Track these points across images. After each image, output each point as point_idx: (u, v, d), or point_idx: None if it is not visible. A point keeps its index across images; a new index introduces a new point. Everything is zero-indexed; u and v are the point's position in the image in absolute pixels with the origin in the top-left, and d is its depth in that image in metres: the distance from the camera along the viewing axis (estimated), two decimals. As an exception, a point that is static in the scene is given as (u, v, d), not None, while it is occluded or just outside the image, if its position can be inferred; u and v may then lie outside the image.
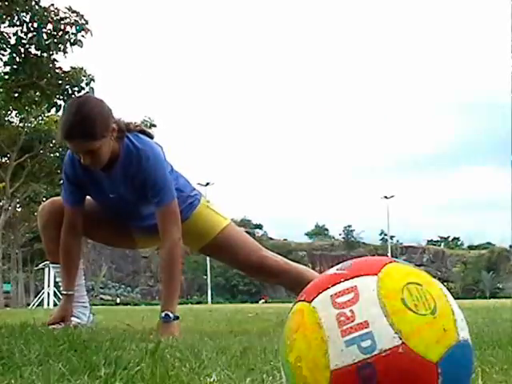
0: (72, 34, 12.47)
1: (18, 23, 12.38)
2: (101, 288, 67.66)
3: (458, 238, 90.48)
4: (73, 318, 2.73)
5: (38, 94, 13.65)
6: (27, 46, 12.67)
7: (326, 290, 0.81)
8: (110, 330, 2.46)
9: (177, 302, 2.53)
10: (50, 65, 12.95)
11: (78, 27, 12.38)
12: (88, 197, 2.72)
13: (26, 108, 15.00)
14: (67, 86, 13.28)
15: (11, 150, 26.06)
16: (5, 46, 12.70)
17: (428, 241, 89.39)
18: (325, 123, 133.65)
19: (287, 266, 2.90)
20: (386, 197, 58.17)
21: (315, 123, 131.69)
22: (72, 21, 12.38)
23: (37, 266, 40.17)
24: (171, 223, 2.49)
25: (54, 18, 12.30)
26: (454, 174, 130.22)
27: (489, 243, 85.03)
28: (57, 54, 12.83)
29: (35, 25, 12.33)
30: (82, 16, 12.52)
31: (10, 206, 28.22)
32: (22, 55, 12.79)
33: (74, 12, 12.50)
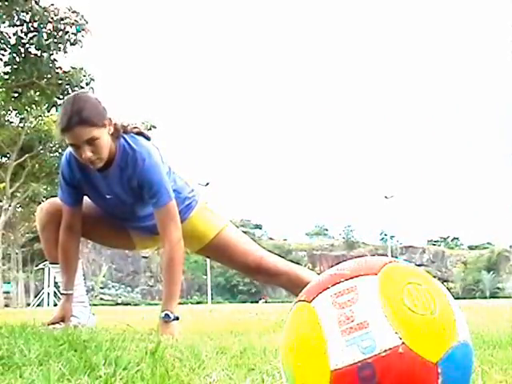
0: (72, 33, 12.48)
1: (18, 23, 12.39)
2: (101, 288, 67.65)
3: (458, 238, 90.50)
4: (73, 318, 2.73)
5: (38, 93, 13.66)
6: (27, 45, 12.68)
7: (326, 289, 0.81)
8: (109, 330, 2.46)
9: (177, 302, 2.53)
10: (50, 65, 12.97)
11: (77, 27, 12.40)
12: (86, 197, 2.72)
13: (26, 108, 15.01)
14: (67, 86, 13.29)
15: (11, 150, 26.06)
16: (5, 45, 12.71)
17: (428, 241, 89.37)
18: (325, 123, 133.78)
19: (285, 267, 2.90)
20: (386, 197, 58.19)
21: (315, 123, 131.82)
22: (72, 21, 12.39)
23: (37, 266, 40.24)
24: (170, 224, 2.49)
25: (54, 18, 12.32)
26: (454, 174, 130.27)
27: (489, 243, 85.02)
28: (57, 53, 12.85)
29: (35, 25, 12.35)
30: (82, 16, 12.54)
31: (10, 205, 28.22)
32: (22, 55, 12.80)
33: (73, 12, 12.51)
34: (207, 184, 47.76)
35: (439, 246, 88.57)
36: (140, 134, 2.62)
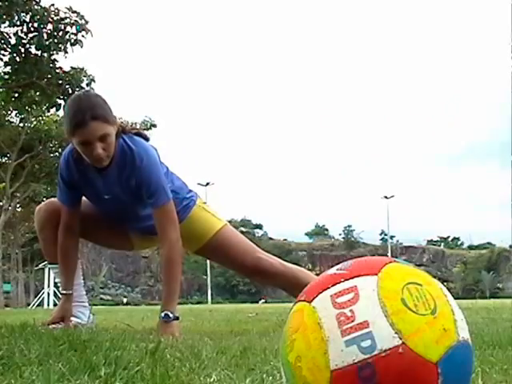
0: (72, 34, 12.48)
1: (18, 23, 12.39)
2: (101, 288, 67.67)
3: (458, 238, 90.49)
4: (73, 318, 2.73)
5: (38, 93, 13.66)
6: (27, 46, 12.69)
7: (326, 289, 0.81)
8: (109, 330, 2.46)
9: (177, 301, 2.53)
10: (51, 65, 12.97)
11: (77, 27, 12.39)
12: (85, 198, 2.72)
13: (26, 108, 15.02)
14: (67, 86, 13.29)
15: (11, 150, 26.06)
16: (5, 46, 12.71)
17: (428, 241, 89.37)
18: (325, 123, 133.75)
19: (283, 267, 2.90)
20: (386, 197, 58.24)
21: (315, 123, 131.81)
22: (72, 21, 12.39)
23: (37, 266, 40.24)
24: (169, 224, 2.49)
25: (54, 18, 12.31)
26: (454, 174, 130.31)
27: (489, 243, 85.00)
28: (57, 54, 12.85)
29: (35, 25, 12.34)
30: (83, 16, 12.53)
31: (10, 205, 28.22)
32: (23, 55, 12.80)
33: (74, 12, 12.51)
34: (207, 184, 47.81)
35: (439, 246, 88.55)
36: (138, 134, 2.62)
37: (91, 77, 13.80)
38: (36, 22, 12.26)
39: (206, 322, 3.89)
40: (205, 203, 2.89)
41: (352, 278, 0.80)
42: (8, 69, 13.18)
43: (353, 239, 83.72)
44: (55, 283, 28.57)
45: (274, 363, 1.33)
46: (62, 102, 13.30)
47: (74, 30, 12.47)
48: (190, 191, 2.84)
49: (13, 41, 12.62)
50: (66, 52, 12.64)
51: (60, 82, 13.27)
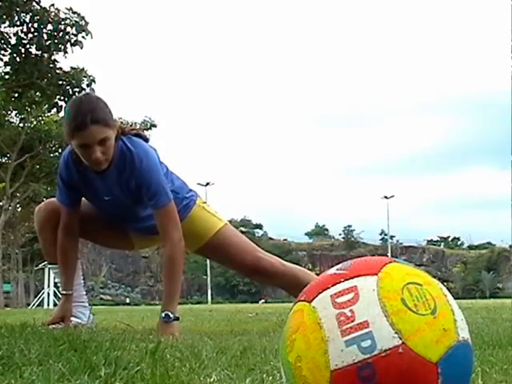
0: (72, 34, 12.48)
1: (18, 23, 12.40)
2: (101, 288, 67.65)
3: (458, 238, 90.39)
4: (73, 318, 2.73)
5: (38, 94, 13.66)
6: (27, 46, 12.69)
7: (326, 289, 0.81)
8: (109, 330, 2.46)
9: (177, 302, 2.53)
10: (51, 65, 12.98)
11: (77, 27, 12.40)
12: (84, 198, 2.73)
13: (26, 108, 15.03)
14: (68, 87, 13.30)
15: (11, 150, 26.05)
16: (5, 46, 12.72)
17: (428, 241, 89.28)
18: (325, 123, 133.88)
19: (283, 267, 2.90)
20: (386, 197, 58.23)
21: (315, 123, 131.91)
22: (72, 21, 12.40)
23: (37, 266, 40.22)
24: (171, 224, 2.49)
25: (55, 19, 12.32)
26: (454, 174, 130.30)
27: (489, 243, 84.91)
28: (57, 54, 12.85)
29: (35, 25, 12.35)
30: (83, 17, 12.55)
31: (9, 205, 28.22)
32: (23, 55, 12.81)
33: (74, 13, 12.52)
34: (207, 184, 47.80)
35: (439, 246, 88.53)
36: (138, 135, 2.62)
37: (91, 77, 13.81)
38: (36, 22, 12.27)
39: (205, 322, 3.89)
40: (205, 203, 2.89)
41: (352, 277, 0.80)
42: (8, 69, 13.19)
43: (353, 239, 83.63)
44: (55, 283, 28.59)
45: (274, 363, 1.33)
46: (62, 103, 13.31)
47: (74, 30, 12.49)
48: (190, 191, 2.84)
49: (13, 41, 12.63)
50: (65, 52, 12.65)
51: (60, 82, 13.27)
